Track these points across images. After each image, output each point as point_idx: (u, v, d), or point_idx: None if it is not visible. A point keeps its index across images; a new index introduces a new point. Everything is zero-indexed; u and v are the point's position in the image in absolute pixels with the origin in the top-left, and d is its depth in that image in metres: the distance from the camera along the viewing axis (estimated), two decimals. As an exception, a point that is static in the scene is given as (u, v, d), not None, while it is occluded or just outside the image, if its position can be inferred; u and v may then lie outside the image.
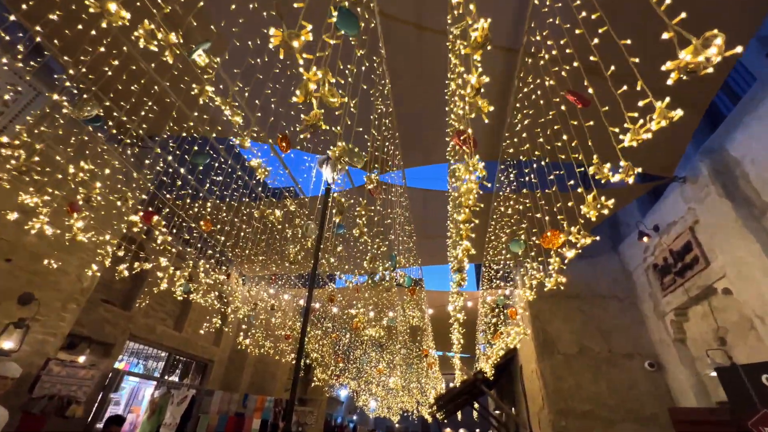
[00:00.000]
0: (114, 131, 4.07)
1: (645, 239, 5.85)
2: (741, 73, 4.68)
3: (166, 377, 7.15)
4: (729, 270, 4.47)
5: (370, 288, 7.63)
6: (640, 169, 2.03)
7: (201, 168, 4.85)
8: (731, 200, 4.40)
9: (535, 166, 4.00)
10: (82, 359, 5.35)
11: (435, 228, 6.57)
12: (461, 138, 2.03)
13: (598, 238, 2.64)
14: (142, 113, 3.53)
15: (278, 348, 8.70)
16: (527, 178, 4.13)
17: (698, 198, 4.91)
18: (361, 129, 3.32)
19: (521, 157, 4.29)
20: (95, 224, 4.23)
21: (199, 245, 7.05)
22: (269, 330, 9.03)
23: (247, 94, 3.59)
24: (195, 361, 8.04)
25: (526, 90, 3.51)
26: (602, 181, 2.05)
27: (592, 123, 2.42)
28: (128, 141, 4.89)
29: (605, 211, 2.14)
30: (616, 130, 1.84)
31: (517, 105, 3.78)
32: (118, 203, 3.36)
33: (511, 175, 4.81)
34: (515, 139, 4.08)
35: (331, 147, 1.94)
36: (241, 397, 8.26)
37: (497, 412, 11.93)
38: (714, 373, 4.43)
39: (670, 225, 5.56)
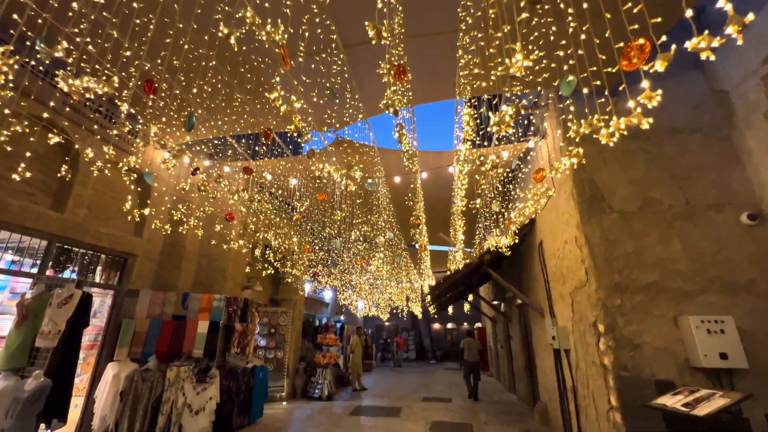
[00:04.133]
0: None
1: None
2: None
3: (47, 273, 5.00)
4: None
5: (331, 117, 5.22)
6: None
7: None
8: None
9: None
10: None
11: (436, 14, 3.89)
12: None
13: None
14: None
15: (225, 235, 6.58)
16: None
17: None
18: None
19: None
20: None
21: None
22: (210, 212, 6.81)
23: None
24: (105, 255, 5.89)
25: None
26: None
27: None
28: None
29: None
30: None
31: None
32: None
33: None
34: None
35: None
36: (179, 297, 6.36)
37: (496, 302, 10.82)
38: None
39: None
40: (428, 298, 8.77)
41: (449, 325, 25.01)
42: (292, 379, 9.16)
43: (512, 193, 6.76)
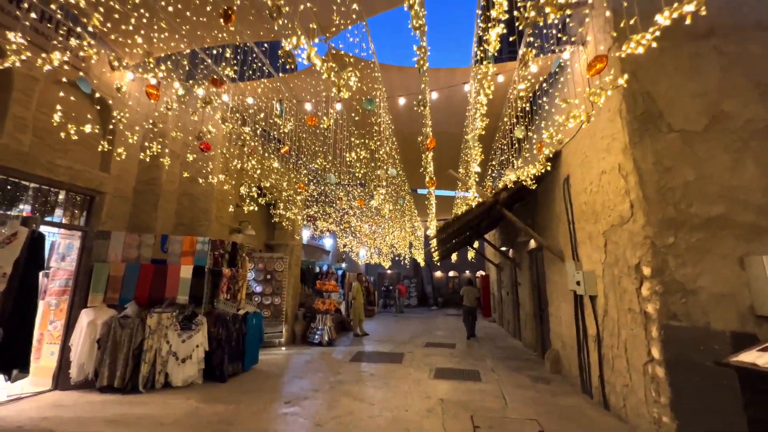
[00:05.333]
0: None
1: None
2: None
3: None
4: None
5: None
6: None
7: None
8: None
9: None
10: None
11: None
12: None
13: None
14: None
15: (202, 168, 5.75)
16: None
17: None
18: None
19: None
20: None
21: None
22: (179, 137, 5.94)
23: None
24: (66, 192, 5.13)
25: None
26: None
27: None
28: None
29: None
30: None
31: None
32: None
33: None
34: None
35: None
36: (158, 239, 5.71)
37: (504, 248, 10.24)
38: None
39: None
40: (434, 242, 8.15)
41: (451, 273, 25.08)
42: (292, 325, 8.89)
43: (537, 117, 5.77)
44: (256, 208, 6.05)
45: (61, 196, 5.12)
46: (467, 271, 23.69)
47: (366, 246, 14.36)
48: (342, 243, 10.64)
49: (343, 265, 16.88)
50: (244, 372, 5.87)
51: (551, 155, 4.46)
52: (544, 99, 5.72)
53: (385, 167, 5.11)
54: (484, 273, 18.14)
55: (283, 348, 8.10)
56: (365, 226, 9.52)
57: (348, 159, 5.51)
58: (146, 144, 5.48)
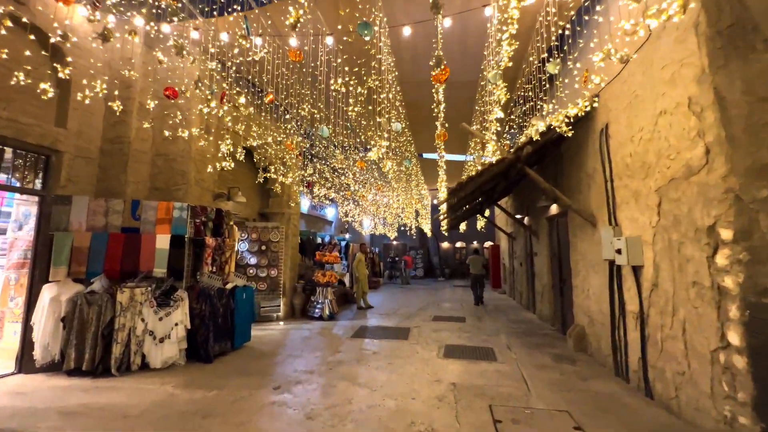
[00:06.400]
0: None
1: None
2: None
3: None
4: None
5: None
6: None
7: None
8: None
9: None
10: None
11: None
12: None
13: None
14: None
15: (179, 125, 4.93)
16: None
17: None
18: None
19: None
20: None
21: None
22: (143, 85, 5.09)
23: None
24: (13, 150, 4.38)
25: None
26: None
27: None
28: None
29: None
30: None
31: None
32: None
33: None
34: None
35: None
36: (128, 205, 5.00)
37: (519, 216, 9.43)
38: None
39: None
40: (443, 208, 7.37)
41: (458, 244, 24.46)
42: (290, 298, 8.35)
43: (572, 50, 4.77)
44: (231, 165, 5.24)
45: (8, 155, 4.37)
46: (475, 242, 23.05)
47: (370, 215, 13.63)
48: (343, 211, 9.89)
49: (347, 235, 16.27)
50: (234, 351, 5.34)
51: (602, 83, 3.52)
52: (588, 17, 4.70)
53: (387, 116, 4.25)
54: (492, 244, 17.45)
55: (281, 323, 7.59)
56: (368, 194, 8.74)
57: (339, 97, 4.61)
58: (111, 96, 4.64)
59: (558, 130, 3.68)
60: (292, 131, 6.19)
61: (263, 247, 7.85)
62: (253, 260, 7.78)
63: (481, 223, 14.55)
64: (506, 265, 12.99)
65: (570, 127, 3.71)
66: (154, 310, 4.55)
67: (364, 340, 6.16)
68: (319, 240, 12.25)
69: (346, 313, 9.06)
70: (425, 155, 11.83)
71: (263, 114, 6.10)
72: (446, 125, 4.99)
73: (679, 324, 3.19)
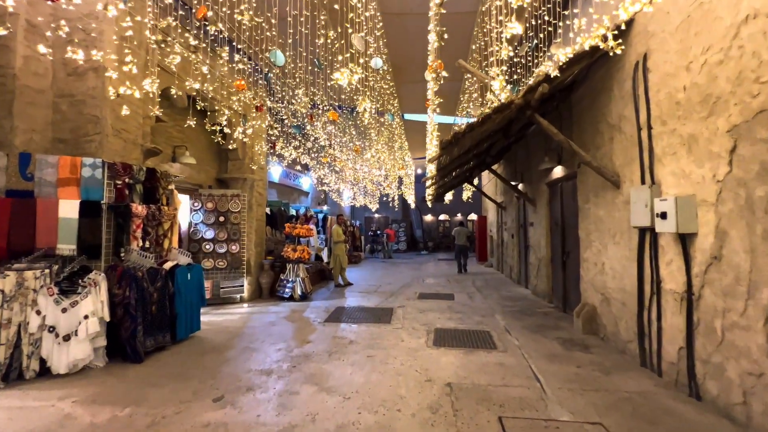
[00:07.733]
0: None
1: None
2: None
3: None
4: None
5: None
6: None
7: None
8: None
9: None
10: None
11: None
12: None
13: None
14: None
15: (81, 46, 3.59)
16: None
17: None
18: None
19: None
20: None
21: None
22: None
23: None
24: None
25: None
26: None
27: None
28: None
29: None
30: None
31: None
32: None
33: None
34: None
35: None
36: (14, 160, 3.73)
37: (513, 182, 8.54)
38: None
39: None
40: (431, 169, 6.35)
41: (442, 217, 23.76)
42: (256, 277, 7.31)
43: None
44: (158, 111, 4.00)
45: None
46: (459, 215, 22.39)
47: (348, 182, 12.48)
48: (317, 176, 8.73)
49: (325, 207, 15.13)
50: (176, 344, 4.30)
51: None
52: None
53: (361, 33, 3.11)
54: (477, 216, 16.75)
55: (245, 305, 6.58)
56: (343, 155, 7.59)
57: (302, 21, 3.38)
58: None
59: (603, 46, 2.63)
60: (241, 67, 4.89)
61: (221, 219, 6.68)
62: (209, 233, 6.62)
63: (468, 193, 13.70)
64: (494, 237, 12.29)
65: (619, 41, 2.67)
66: (54, 299, 3.42)
67: (339, 325, 5.24)
68: (293, 212, 11.09)
69: (322, 291, 8.12)
70: (408, 116, 10.64)
71: (206, 46, 4.76)
72: (439, 62, 3.87)
73: (760, 310, 2.36)
